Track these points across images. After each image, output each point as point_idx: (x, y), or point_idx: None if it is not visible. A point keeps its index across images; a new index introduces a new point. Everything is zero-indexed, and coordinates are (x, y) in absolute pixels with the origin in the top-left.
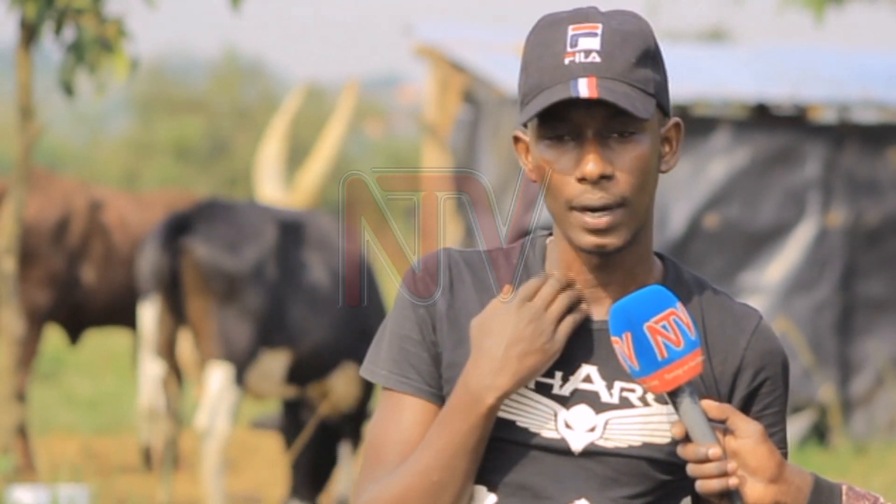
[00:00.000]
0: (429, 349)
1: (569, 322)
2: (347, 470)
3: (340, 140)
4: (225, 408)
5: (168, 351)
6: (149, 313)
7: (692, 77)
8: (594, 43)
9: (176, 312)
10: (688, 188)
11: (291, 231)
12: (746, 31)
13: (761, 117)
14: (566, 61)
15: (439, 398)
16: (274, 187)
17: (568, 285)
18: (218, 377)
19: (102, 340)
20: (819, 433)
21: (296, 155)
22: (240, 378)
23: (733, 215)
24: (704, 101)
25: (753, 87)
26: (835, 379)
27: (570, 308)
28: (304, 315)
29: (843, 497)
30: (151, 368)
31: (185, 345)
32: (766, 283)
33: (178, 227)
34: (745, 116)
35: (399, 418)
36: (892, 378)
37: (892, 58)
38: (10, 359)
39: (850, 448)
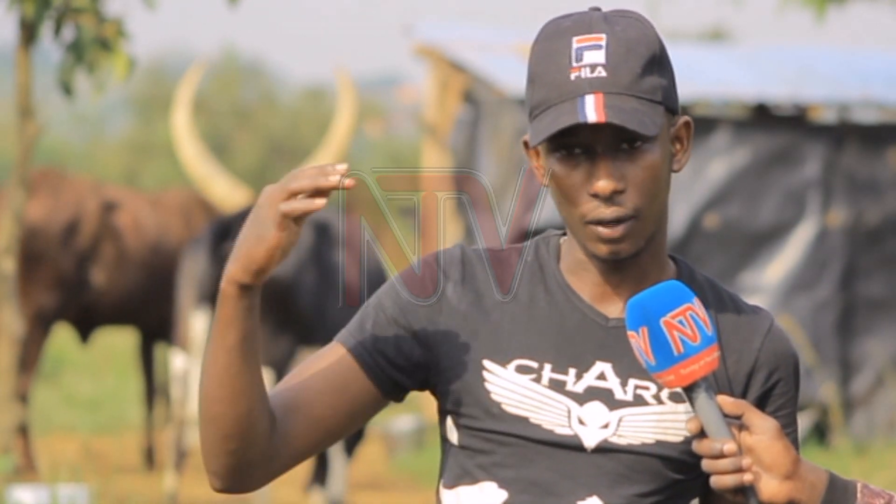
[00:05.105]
0: (405, 330)
1: (278, 212)
2: (340, 471)
3: (349, 134)
4: None
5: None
6: (201, 324)
7: (692, 77)
8: (599, 56)
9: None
10: (688, 188)
11: (321, 230)
12: (746, 31)
13: (761, 117)
14: (572, 76)
15: (372, 368)
16: (224, 185)
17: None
18: None
19: (103, 340)
20: (819, 433)
21: (297, 156)
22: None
23: (733, 215)
24: (704, 101)
25: (753, 87)
26: (835, 379)
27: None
28: (339, 311)
29: (858, 495)
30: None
31: None
32: (766, 282)
33: (223, 235)
34: (745, 116)
35: (324, 358)
36: (892, 378)
37: (892, 58)
38: (10, 359)
39: (851, 448)
